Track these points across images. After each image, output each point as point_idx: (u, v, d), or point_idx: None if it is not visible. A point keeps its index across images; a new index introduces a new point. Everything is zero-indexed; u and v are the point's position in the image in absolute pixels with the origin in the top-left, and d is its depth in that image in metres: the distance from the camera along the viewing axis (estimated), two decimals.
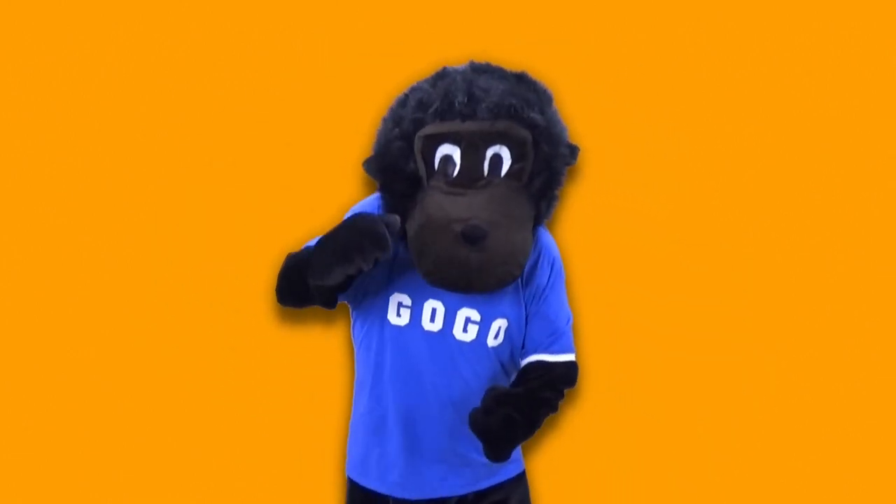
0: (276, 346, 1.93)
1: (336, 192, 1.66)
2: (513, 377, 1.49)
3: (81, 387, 1.96)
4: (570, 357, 1.48)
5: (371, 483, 1.50)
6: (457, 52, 1.48)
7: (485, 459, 1.46)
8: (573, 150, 1.40)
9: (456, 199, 1.32)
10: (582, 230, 1.74)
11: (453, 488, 1.48)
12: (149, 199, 1.97)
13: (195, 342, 1.97)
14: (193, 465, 1.97)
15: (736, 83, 1.93)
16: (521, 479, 1.56)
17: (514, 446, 1.37)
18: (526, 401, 1.38)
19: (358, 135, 1.59)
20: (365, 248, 1.25)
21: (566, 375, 1.46)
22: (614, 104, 1.90)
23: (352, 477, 1.54)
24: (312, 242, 1.40)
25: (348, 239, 1.27)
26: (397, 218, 1.30)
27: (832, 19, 1.91)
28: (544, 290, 1.46)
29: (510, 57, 1.46)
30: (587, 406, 1.81)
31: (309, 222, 1.72)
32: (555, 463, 1.82)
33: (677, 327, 1.95)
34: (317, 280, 1.31)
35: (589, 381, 1.70)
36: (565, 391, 1.46)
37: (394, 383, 1.44)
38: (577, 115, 1.49)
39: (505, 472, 1.53)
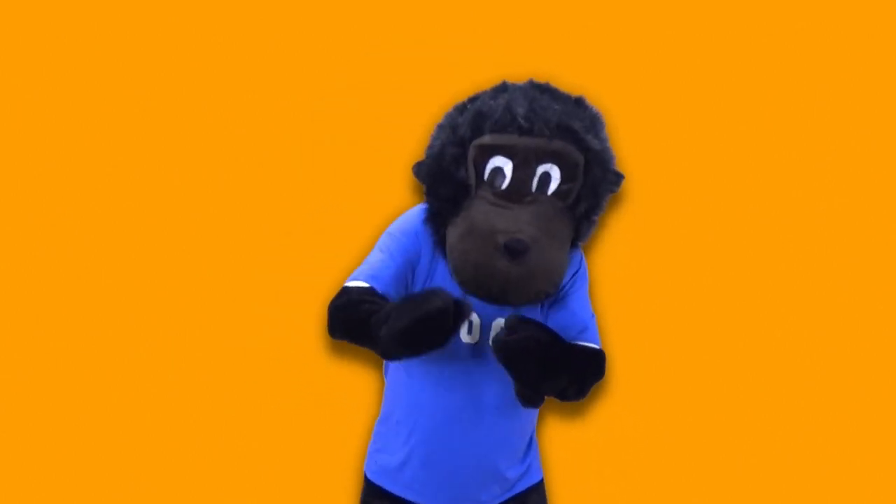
0: (291, 348, 1.93)
1: (380, 200, 1.68)
2: None
3: (100, 384, 1.98)
4: (598, 347, 1.47)
5: (394, 488, 1.51)
6: (497, 73, 1.48)
7: (513, 475, 1.49)
8: (618, 178, 1.42)
9: (501, 212, 1.33)
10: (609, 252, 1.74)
11: (481, 499, 1.49)
12: (188, 202, 1.98)
13: (198, 341, 1.97)
14: (196, 462, 1.96)
15: (755, 97, 1.94)
16: (538, 487, 1.58)
17: (539, 373, 1.32)
18: (552, 335, 1.34)
19: (401, 145, 1.62)
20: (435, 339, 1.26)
21: (595, 363, 1.43)
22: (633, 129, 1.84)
23: (374, 480, 1.55)
24: (365, 278, 1.40)
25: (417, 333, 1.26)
26: (470, 305, 1.30)
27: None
28: (566, 286, 1.47)
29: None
30: (608, 418, 1.83)
31: (350, 229, 1.75)
32: (574, 474, 1.83)
33: (701, 340, 1.94)
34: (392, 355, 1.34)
35: (611, 392, 1.72)
36: (592, 383, 1.42)
37: (431, 395, 1.45)
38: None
39: (527, 480, 1.54)
